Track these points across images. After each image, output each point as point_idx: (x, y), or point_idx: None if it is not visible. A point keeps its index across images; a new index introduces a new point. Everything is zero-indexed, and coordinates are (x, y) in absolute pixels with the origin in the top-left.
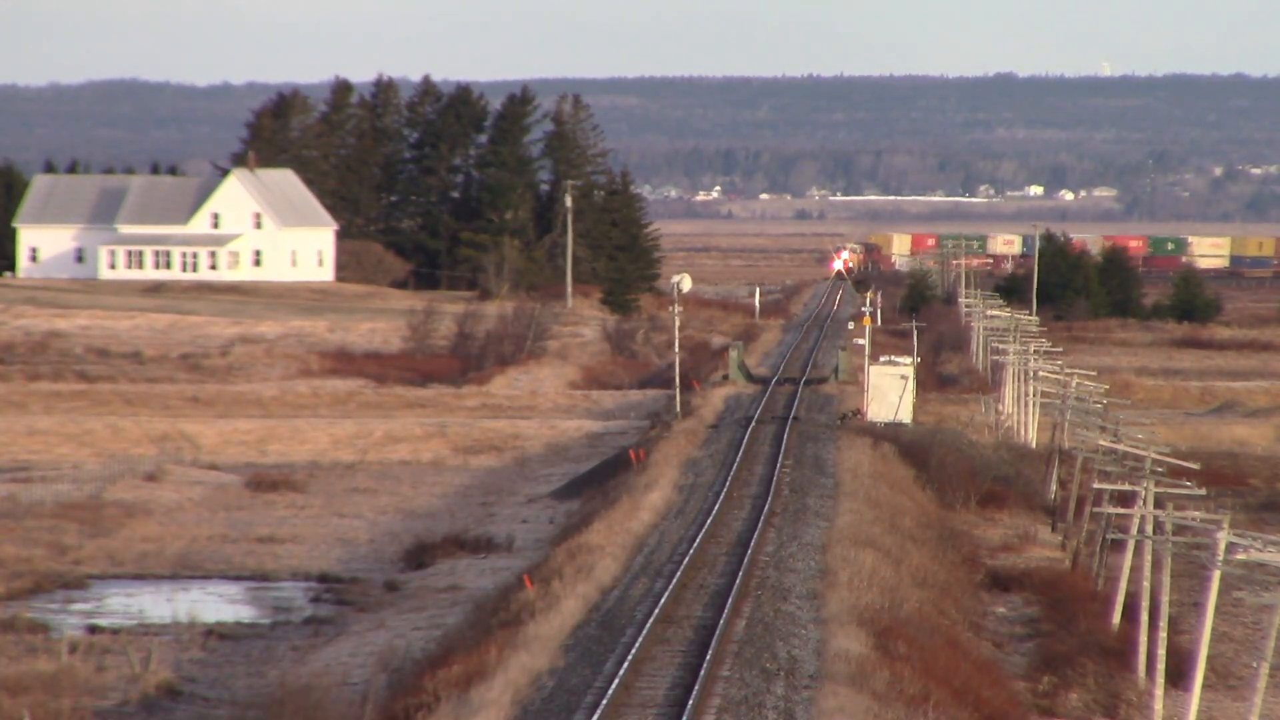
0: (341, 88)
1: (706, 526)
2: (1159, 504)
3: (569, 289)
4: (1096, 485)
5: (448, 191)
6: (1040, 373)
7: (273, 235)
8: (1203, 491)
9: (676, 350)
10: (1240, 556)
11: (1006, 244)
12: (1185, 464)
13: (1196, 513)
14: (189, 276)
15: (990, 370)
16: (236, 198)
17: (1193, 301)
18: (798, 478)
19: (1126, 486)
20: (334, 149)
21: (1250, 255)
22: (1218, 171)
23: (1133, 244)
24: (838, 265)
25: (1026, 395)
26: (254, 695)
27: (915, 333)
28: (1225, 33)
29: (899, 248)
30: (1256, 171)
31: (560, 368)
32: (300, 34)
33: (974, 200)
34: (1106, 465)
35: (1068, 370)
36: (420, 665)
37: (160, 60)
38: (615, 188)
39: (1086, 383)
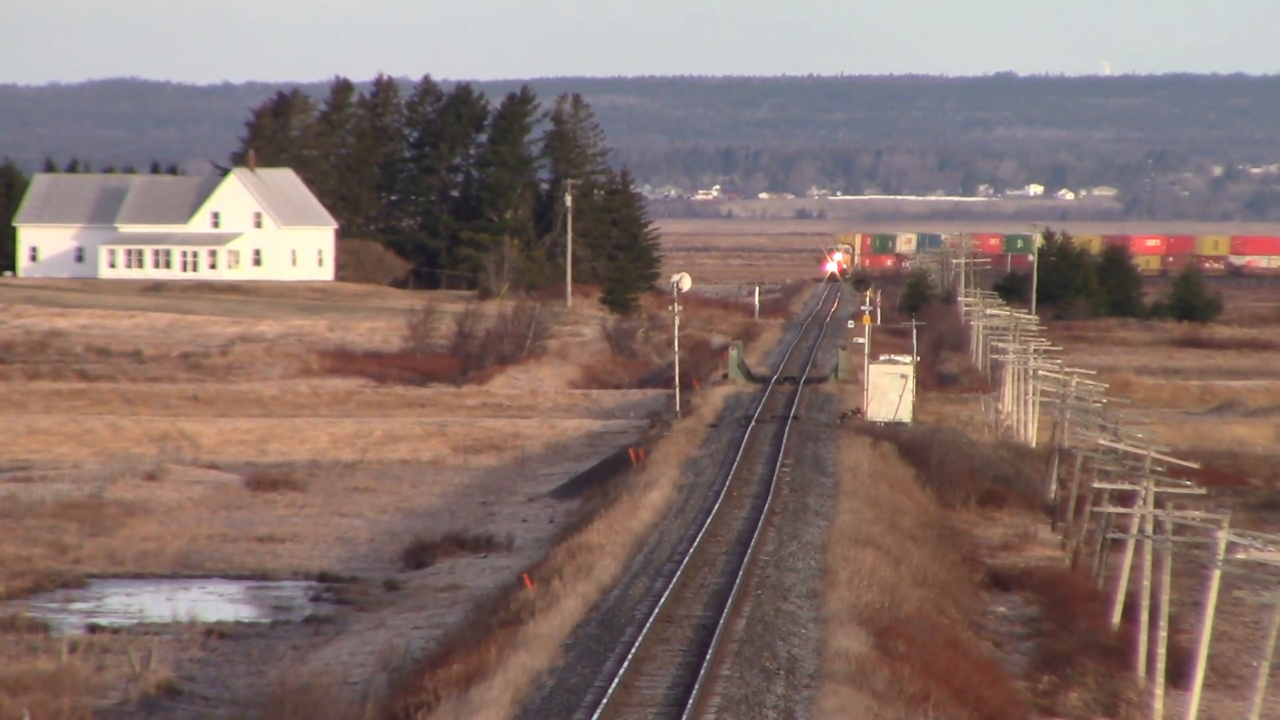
0: (341, 87)
1: (706, 526)
2: (1159, 503)
3: (569, 288)
4: (1096, 485)
5: (448, 191)
6: (1040, 372)
7: (273, 235)
8: (1203, 491)
9: (676, 349)
10: (1240, 556)
11: (905, 243)
12: (1185, 463)
13: (1196, 512)
14: (189, 276)
15: (990, 369)
16: (236, 197)
17: (1193, 301)
18: (797, 477)
19: (1126, 486)
20: (334, 148)
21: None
22: (1218, 171)
23: (991, 242)
24: (831, 266)
25: (1026, 394)
26: (254, 695)
27: (915, 332)
28: (1225, 33)
29: (857, 248)
30: (1256, 171)
31: (560, 367)
32: (300, 34)
33: (974, 200)
34: (1106, 465)
35: (1067, 369)
36: (420, 664)
37: (160, 60)
38: (615, 187)
39: (1086, 382)
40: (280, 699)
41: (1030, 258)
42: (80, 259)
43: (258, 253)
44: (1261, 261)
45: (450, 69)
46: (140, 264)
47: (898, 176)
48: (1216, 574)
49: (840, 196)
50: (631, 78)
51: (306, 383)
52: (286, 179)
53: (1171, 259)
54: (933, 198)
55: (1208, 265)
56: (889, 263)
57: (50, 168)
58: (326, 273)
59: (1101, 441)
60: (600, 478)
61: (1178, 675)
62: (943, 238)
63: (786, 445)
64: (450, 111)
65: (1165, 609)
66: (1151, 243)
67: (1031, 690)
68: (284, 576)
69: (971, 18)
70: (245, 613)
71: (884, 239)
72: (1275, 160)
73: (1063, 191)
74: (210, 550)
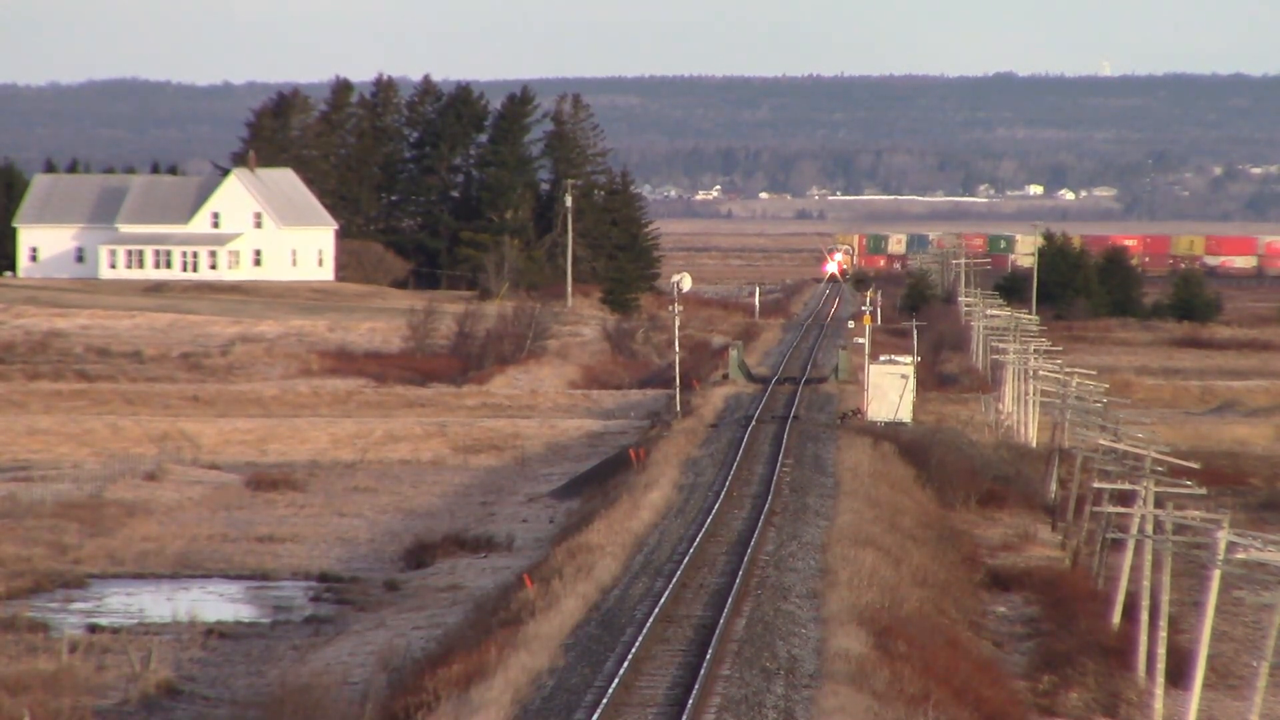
0: (341, 87)
1: (707, 526)
2: (1159, 503)
3: (569, 288)
4: (1096, 484)
5: (448, 191)
6: (1040, 372)
7: (273, 235)
8: (1203, 491)
9: (676, 350)
10: (1240, 556)
11: (896, 243)
12: (1185, 463)
13: (1196, 512)
14: (189, 276)
15: (990, 369)
16: (237, 197)
17: (1193, 301)
18: (798, 477)
19: (1126, 486)
20: (334, 149)
21: None
22: (1218, 171)
23: (975, 242)
24: (831, 267)
25: (1026, 394)
26: (254, 694)
27: (915, 332)
28: (1225, 33)
29: (856, 248)
30: (1256, 171)
31: (560, 367)
32: (300, 34)
33: (974, 200)
34: (1106, 465)
35: (1068, 369)
36: (420, 664)
37: (160, 60)
38: (615, 187)
39: (1086, 382)
40: (280, 699)
41: (1012, 257)
42: (80, 259)
43: (258, 253)
44: (1236, 261)
45: (450, 69)
46: (140, 264)
47: (898, 177)
48: (1216, 574)
49: (840, 197)
50: (631, 78)
51: (306, 383)
52: (287, 179)
53: (1148, 259)
54: (933, 198)
55: (1183, 266)
56: (881, 263)
57: (50, 168)
58: (327, 273)
59: (1101, 441)
60: (600, 478)
61: (1178, 675)
62: (930, 238)
63: (787, 445)
64: (450, 111)
65: (1165, 609)
66: (1129, 243)
67: (1031, 690)
68: (284, 576)
69: (971, 18)
70: (245, 613)
71: (877, 239)
72: (1275, 160)
73: (1063, 192)
74: (210, 550)
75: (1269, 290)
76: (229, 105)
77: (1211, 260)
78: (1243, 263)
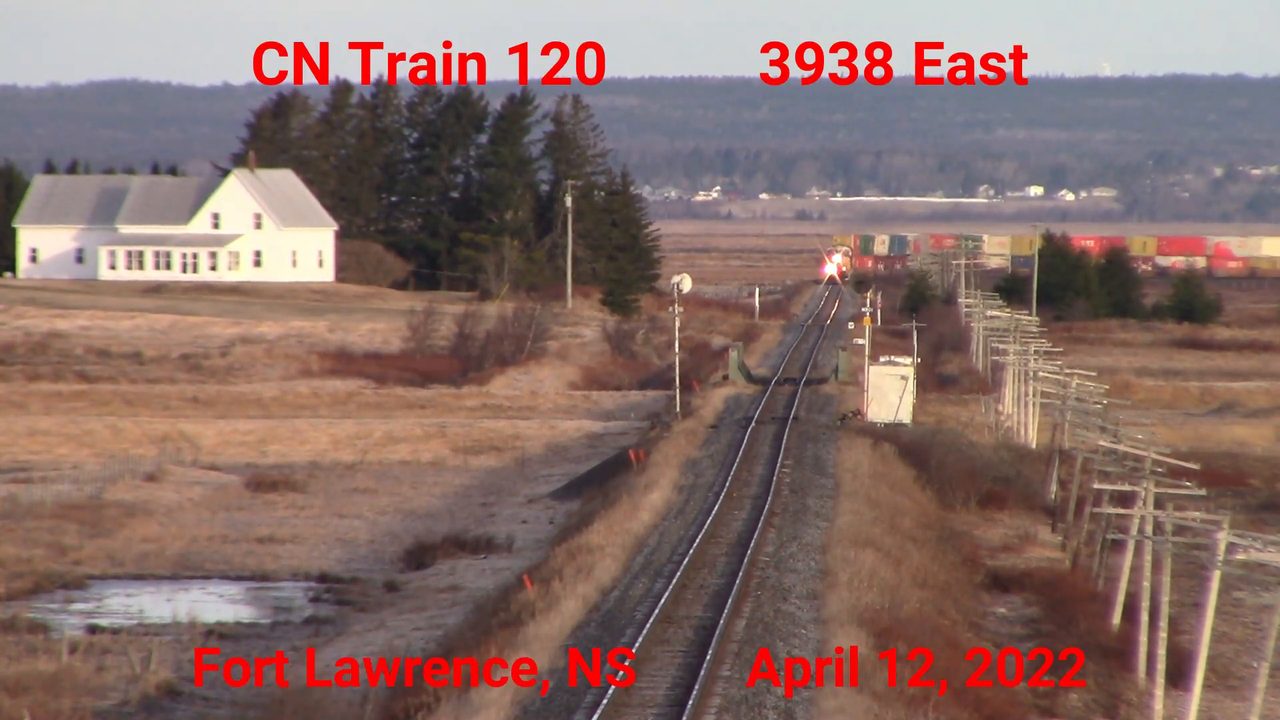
0: (341, 88)
1: (706, 527)
2: (1159, 504)
3: (569, 289)
4: (1096, 485)
5: (448, 192)
6: (1040, 373)
7: (273, 235)
8: (1203, 492)
9: (676, 351)
10: (1240, 557)
11: (880, 244)
12: (1185, 464)
13: (1196, 513)
14: (189, 277)
15: (990, 370)
16: (237, 198)
17: (1192, 302)
18: (797, 478)
19: (1126, 487)
20: (334, 149)
21: (1024, 255)
22: (1218, 172)
23: (947, 242)
24: (829, 269)
25: (1026, 395)
26: (254, 695)
27: (915, 333)
28: (1225, 33)
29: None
30: (1256, 172)
31: (560, 368)
32: (300, 34)
33: (974, 201)
34: (1106, 465)
35: (1068, 371)
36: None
37: (160, 60)
38: (615, 188)
39: (1086, 383)
40: (280, 700)
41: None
42: (80, 260)
43: (258, 254)
44: (1182, 263)
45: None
46: (140, 265)
47: (898, 178)
48: (1216, 575)
49: (840, 198)
50: (631, 78)
51: (306, 384)
52: (286, 180)
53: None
54: (933, 199)
55: (1140, 266)
56: (869, 263)
57: (50, 169)
58: (327, 274)
59: (1101, 443)
60: (600, 479)
61: (1178, 676)
62: (909, 239)
63: (786, 446)
64: (450, 112)
65: (1165, 610)
66: (1088, 243)
67: (1031, 691)
68: (284, 577)
69: (971, 18)
70: (245, 613)
71: (866, 240)
72: (1275, 161)
73: (1063, 192)
74: (210, 551)
75: (1218, 289)
76: (229, 105)
77: (1163, 261)
78: (1188, 264)
